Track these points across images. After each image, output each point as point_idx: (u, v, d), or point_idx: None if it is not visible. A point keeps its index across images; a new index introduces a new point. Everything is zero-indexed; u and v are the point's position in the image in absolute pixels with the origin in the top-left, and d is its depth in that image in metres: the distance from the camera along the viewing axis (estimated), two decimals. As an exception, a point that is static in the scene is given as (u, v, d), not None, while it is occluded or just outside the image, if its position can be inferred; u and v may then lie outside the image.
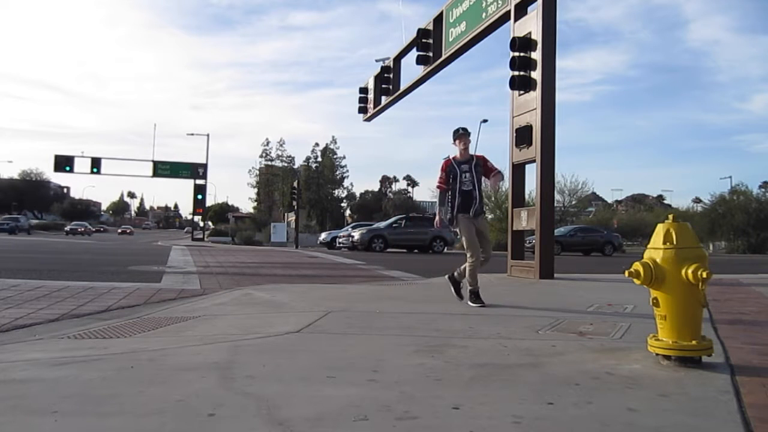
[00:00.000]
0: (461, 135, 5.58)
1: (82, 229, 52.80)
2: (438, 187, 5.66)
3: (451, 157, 5.62)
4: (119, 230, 74.13)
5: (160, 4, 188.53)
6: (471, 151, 5.65)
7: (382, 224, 26.82)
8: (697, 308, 2.69)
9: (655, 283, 2.70)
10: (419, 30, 13.52)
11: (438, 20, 12.88)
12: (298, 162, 76.86)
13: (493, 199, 37.85)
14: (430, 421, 1.96)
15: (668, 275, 2.66)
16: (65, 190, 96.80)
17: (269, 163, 76.37)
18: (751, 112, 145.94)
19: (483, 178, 5.69)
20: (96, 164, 39.64)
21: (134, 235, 64.47)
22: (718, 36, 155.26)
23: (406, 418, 1.98)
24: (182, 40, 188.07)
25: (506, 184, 11.58)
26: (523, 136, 9.05)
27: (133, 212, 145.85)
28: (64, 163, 39.58)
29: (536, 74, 8.90)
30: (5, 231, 42.42)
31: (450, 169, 5.54)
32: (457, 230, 5.65)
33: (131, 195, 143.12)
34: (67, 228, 53.94)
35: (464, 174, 5.50)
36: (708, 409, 2.13)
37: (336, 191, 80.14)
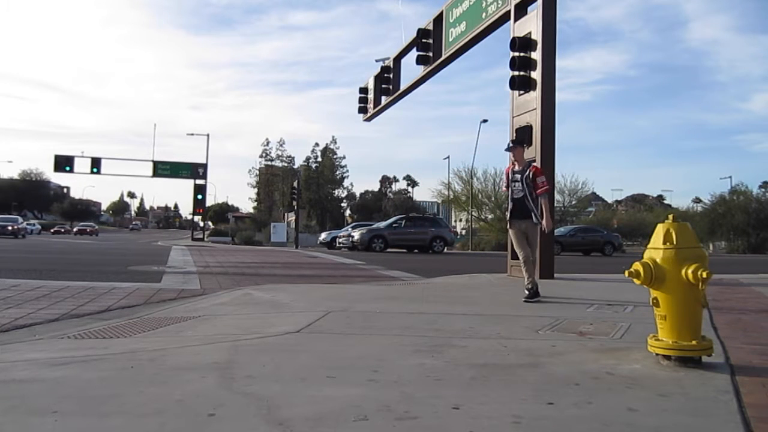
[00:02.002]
0: (510, 147, 6.11)
1: (12, 227, 34.46)
2: (503, 190, 6.60)
3: (511, 165, 6.18)
4: (75, 229, 55.84)
5: (160, 4, 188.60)
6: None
7: (382, 224, 26.80)
8: (697, 308, 2.69)
9: (655, 283, 2.70)
10: (419, 30, 13.52)
11: (438, 20, 12.89)
12: (298, 162, 76.97)
13: (493, 198, 37.96)
14: (430, 421, 1.96)
15: (668, 275, 2.66)
16: (65, 190, 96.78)
17: (269, 163, 76.44)
18: (751, 111, 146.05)
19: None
20: (96, 164, 39.63)
21: (99, 235, 51.22)
22: (718, 35, 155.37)
23: (406, 418, 1.98)
24: (182, 39, 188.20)
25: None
26: (523, 136, 9.05)
27: (133, 212, 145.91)
28: (64, 163, 39.57)
29: (536, 74, 8.90)
30: None
31: (508, 176, 6.16)
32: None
33: (131, 195, 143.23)
34: None
35: (515, 183, 6.01)
36: (708, 409, 2.13)
37: (336, 191, 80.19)
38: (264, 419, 1.96)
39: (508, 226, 6.21)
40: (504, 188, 6.32)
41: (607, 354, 3.06)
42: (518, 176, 5.96)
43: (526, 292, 5.67)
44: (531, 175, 5.90)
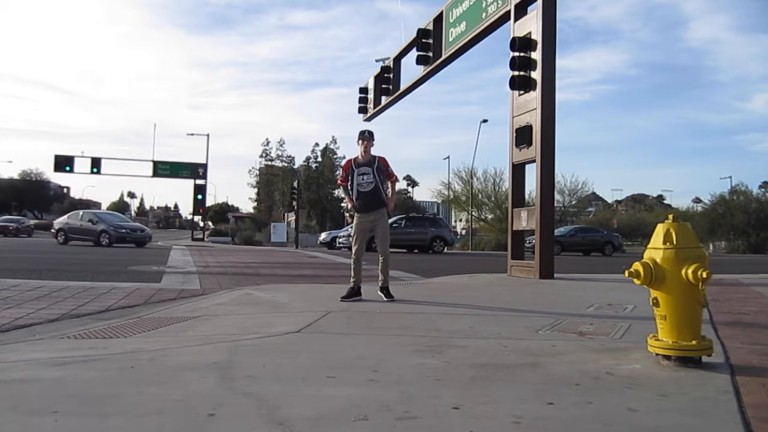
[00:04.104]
0: (364, 137, 5.81)
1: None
2: (339, 184, 6.18)
3: (352, 159, 5.94)
4: None
5: (159, 3, 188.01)
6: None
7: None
8: (697, 308, 2.69)
9: (655, 283, 2.70)
10: (419, 30, 13.51)
11: (438, 20, 12.88)
12: (298, 162, 76.86)
13: (493, 198, 37.96)
14: (430, 421, 1.96)
15: (668, 275, 2.66)
16: (65, 190, 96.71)
17: (269, 163, 76.35)
18: (751, 111, 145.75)
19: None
20: (96, 164, 39.60)
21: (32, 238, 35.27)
22: (719, 35, 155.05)
23: (406, 418, 1.98)
24: (181, 39, 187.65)
25: (506, 183, 11.69)
26: (523, 136, 9.05)
27: (133, 212, 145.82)
28: (64, 163, 39.54)
29: (536, 74, 8.89)
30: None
31: (349, 170, 5.87)
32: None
33: (131, 195, 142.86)
34: None
35: (362, 176, 5.77)
36: (708, 409, 2.13)
37: (336, 191, 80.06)
38: (264, 419, 1.96)
39: (354, 221, 5.97)
40: (340, 182, 6.06)
41: (607, 354, 3.06)
42: (366, 168, 5.75)
43: (383, 293, 5.74)
44: (381, 166, 5.78)
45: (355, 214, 5.91)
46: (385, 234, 5.90)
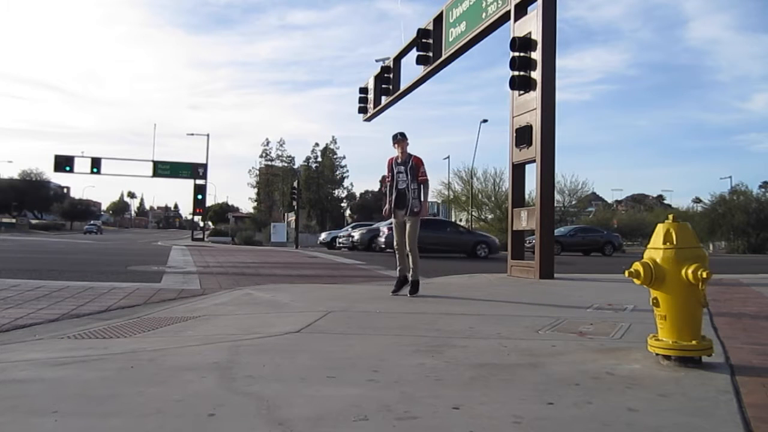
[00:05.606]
0: (396, 140, 6.26)
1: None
2: (385, 182, 6.53)
3: (393, 158, 6.37)
4: None
5: (158, 3, 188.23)
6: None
7: (382, 224, 26.79)
8: (697, 308, 2.69)
9: (655, 283, 2.70)
10: (419, 30, 13.52)
11: (438, 20, 12.89)
12: (298, 162, 76.93)
13: (493, 198, 37.98)
14: (430, 421, 1.96)
15: (668, 275, 2.66)
16: (65, 190, 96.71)
17: (269, 163, 76.44)
18: (751, 111, 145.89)
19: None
20: (96, 164, 39.65)
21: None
22: (719, 35, 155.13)
23: (406, 418, 1.98)
24: (181, 39, 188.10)
25: (506, 183, 11.72)
26: (523, 136, 9.06)
27: (133, 212, 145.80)
28: (64, 163, 39.58)
29: (536, 74, 8.90)
30: None
31: (390, 168, 6.35)
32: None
33: (131, 195, 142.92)
34: None
35: (399, 174, 6.26)
36: (708, 409, 2.13)
37: (336, 191, 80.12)
38: (264, 419, 1.96)
39: (392, 216, 6.35)
40: (387, 180, 6.38)
41: (607, 354, 3.06)
42: (402, 167, 6.22)
43: (410, 287, 6.15)
44: (414, 165, 6.18)
45: (394, 210, 6.26)
46: (412, 230, 6.16)
